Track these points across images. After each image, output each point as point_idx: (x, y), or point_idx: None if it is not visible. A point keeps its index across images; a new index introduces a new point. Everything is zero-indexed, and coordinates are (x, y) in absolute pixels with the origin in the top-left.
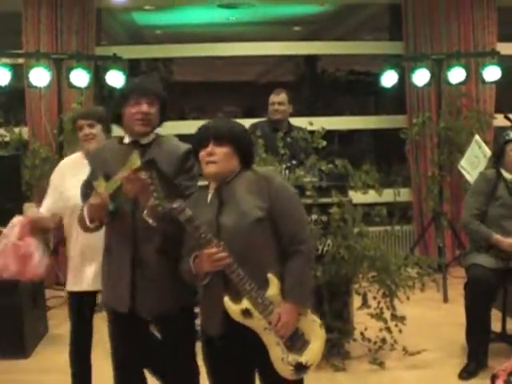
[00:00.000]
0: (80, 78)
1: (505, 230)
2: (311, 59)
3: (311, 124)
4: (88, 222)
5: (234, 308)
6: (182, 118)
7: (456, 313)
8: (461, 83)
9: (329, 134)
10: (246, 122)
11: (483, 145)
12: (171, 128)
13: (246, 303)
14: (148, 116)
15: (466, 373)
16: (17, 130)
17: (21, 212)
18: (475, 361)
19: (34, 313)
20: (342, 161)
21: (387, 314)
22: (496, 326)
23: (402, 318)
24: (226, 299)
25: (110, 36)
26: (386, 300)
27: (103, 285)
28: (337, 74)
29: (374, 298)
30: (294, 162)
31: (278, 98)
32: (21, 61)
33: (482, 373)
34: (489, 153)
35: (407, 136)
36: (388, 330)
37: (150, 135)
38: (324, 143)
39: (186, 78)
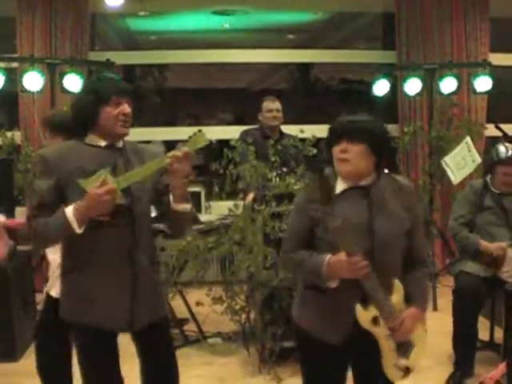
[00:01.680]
0: (73, 82)
1: (493, 236)
2: (304, 67)
3: (302, 132)
4: (77, 228)
5: (365, 315)
6: (175, 124)
7: (445, 321)
8: (452, 93)
9: (320, 142)
10: (238, 130)
11: (473, 149)
12: (162, 134)
13: (374, 310)
14: (129, 117)
15: (453, 380)
16: (9, 134)
17: (13, 216)
18: (462, 369)
19: (24, 316)
20: (331, 170)
21: None
22: (484, 335)
23: None
24: (359, 307)
25: (104, 41)
26: None
27: (81, 302)
28: (330, 83)
29: None
30: (285, 170)
31: (275, 105)
32: (15, 65)
33: (469, 380)
34: (478, 160)
35: (399, 145)
36: None
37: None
38: (314, 151)
39: (180, 85)
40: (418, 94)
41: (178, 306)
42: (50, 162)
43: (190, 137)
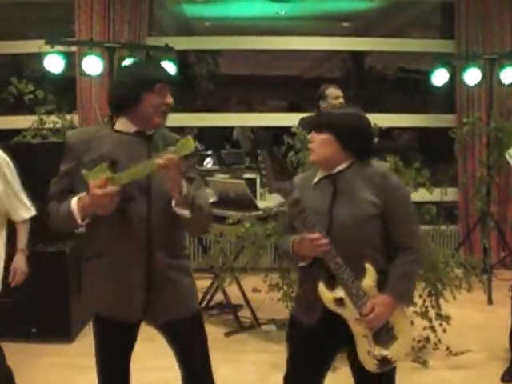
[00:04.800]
0: None
1: None
2: (358, 56)
3: None
4: (79, 220)
5: (328, 295)
6: (228, 110)
7: (500, 315)
8: None
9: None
10: (291, 117)
11: None
12: (214, 120)
13: (340, 292)
14: (169, 108)
15: (509, 376)
16: (68, 117)
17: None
18: None
19: (79, 297)
20: (392, 157)
21: (432, 313)
22: None
23: (447, 318)
24: (321, 285)
25: (160, 27)
26: (432, 299)
27: (93, 291)
28: (385, 71)
29: (420, 296)
30: None
31: (341, 92)
32: (73, 49)
33: None
34: None
35: (456, 135)
36: (432, 328)
37: None
38: (376, 139)
39: (233, 71)
40: (477, 85)
41: (233, 291)
42: (72, 146)
43: (177, 141)
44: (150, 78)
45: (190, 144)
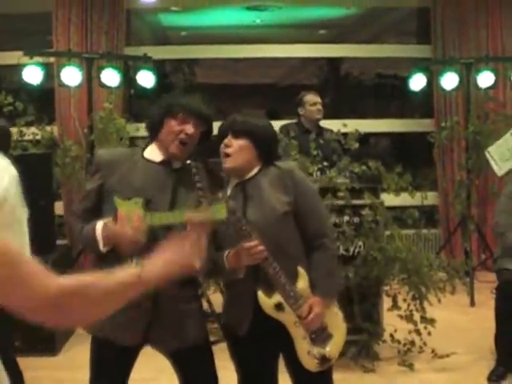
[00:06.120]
0: (111, 77)
1: None
2: (335, 62)
3: (345, 126)
4: (102, 247)
5: (267, 302)
6: None
7: (483, 317)
8: (490, 87)
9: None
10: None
11: None
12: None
13: (278, 297)
14: (190, 139)
15: (495, 376)
16: (48, 128)
17: (52, 210)
18: (504, 365)
19: None
20: (374, 163)
21: (417, 316)
22: None
23: (432, 321)
24: (260, 293)
25: (136, 36)
26: (416, 302)
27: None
28: (362, 77)
29: (404, 300)
30: (326, 164)
31: (319, 99)
32: (51, 60)
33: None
34: None
35: (435, 140)
36: (417, 332)
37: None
38: (357, 145)
39: (209, 80)
40: (454, 89)
41: (217, 299)
42: (100, 165)
43: (211, 204)
44: (175, 105)
45: (222, 212)
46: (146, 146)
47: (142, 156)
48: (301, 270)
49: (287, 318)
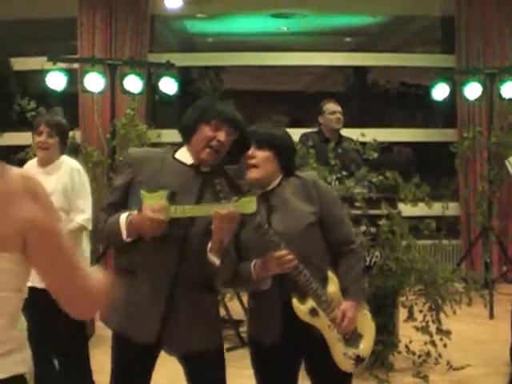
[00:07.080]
0: (133, 83)
1: None
2: (361, 70)
3: (363, 135)
4: (125, 237)
5: (301, 308)
6: None
7: (501, 330)
8: None
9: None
10: (294, 132)
11: None
12: None
13: (311, 302)
14: (222, 146)
15: None
16: (71, 133)
17: None
18: None
19: None
20: (392, 173)
21: (433, 328)
22: None
23: (448, 333)
24: (295, 300)
25: (162, 43)
26: (432, 314)
27: (117, 311)
28: (387, 86)
29: (420, 311)
30: (345, 173)
31: (338, 107)
32: (75, 66)
33: None
34: None
35: (457, 150)
36: (433, 343)
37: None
38: (375, 155)
39: (236, 87)
40: (477, 99)
41: (234, 306)
42: (131, 162)
43: (239, 197)
44: (210, 111)
45: (252, 205)
46: (178, 147)
47: (173, 157)
48: (330, 275)
49: (321, 322)
